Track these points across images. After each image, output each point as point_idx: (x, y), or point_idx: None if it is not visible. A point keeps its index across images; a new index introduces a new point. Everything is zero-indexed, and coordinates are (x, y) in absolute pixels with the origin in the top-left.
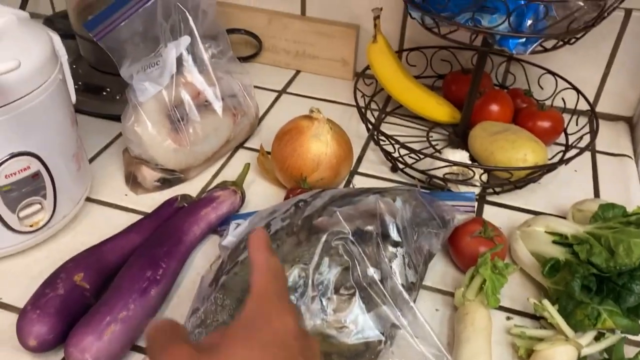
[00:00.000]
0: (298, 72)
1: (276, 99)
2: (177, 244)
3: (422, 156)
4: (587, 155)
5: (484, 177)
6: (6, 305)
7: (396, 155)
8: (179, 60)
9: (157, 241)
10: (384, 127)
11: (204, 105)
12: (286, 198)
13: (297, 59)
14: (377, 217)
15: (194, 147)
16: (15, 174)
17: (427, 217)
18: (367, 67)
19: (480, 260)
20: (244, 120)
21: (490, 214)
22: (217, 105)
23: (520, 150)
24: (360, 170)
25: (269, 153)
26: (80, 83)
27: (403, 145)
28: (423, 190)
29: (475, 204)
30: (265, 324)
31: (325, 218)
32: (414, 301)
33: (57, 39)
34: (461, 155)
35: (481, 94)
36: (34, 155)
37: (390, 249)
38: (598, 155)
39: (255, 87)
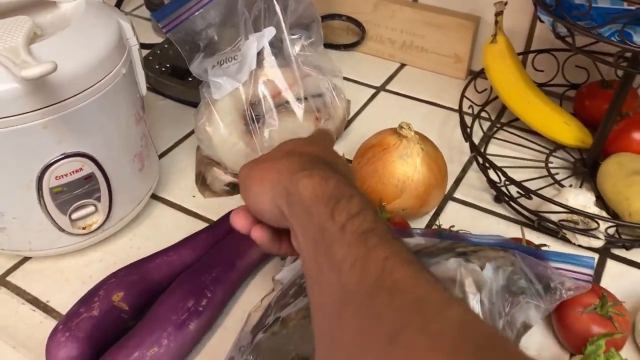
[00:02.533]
0: (403, 65)
1: (373, 96)
2: (228, 270)
3: (531, 195)
4: None
5: (611, 230)
6: (51, 310)
7: (501, 184)
8: (260, 55)
9: (207, 264)
10: (494, 143)
11: (283, 106)
12: None
13: (403, 51)
14: (457, 286)
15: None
16: (66, 175)
17: (525, 286)
18: (483, 70)
19: (590, 349)
20: (328, 124)
21: (613, 273)
22: (298, 107)
23: None
24: (456, 195)
25: (350, 162)
26: (168, 65)
27: (509, 178)
28: (523, 251)
29: (593, 272)
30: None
31: None
32: None
33: (127, 26)
34: (585, 199)
35: (622, 116)
36: (87, 156)
37: None
38: None
39: (351, 80)
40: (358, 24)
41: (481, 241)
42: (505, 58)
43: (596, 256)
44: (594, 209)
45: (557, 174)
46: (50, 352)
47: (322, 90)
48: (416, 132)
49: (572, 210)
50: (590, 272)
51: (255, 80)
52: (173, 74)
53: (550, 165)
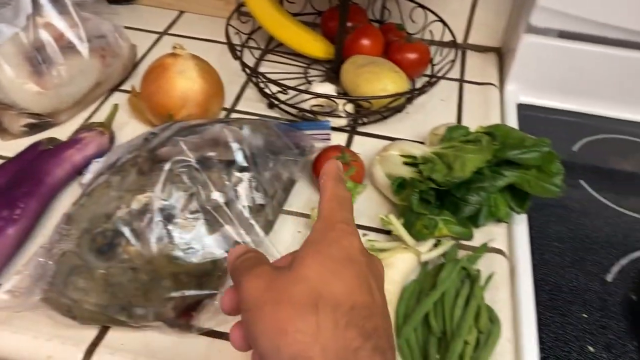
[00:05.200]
0: (182, 12)
1: (156, 40)
2: (37, 184)
3: (290, 91)
4: (454, 85)
5: (349, 108)
6: None
7: (271, 92)
8: (36, 1)
9: (17, 182)
10: (265, 65)
11: (68, 47)
12: None
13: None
14: (222, 144)
15: (59, 89)
16: None
17: (283, 146)
18: (242, 4)
19: None
20: (115, 61)
21: (359, 143)
22: (82, 47)
23: (382, 81)
24: (238, 107)
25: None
26: None
27: (271, 81)
28: (278, 121)
29: (330, 131)
30: (333, 242)
31: (169, 148)
32: (272, 222)
33: None
34: (327, 88)
35: (353, 29)
36: None
37: (237, 174)
38: (465, 85)
39: (135, 29)
40: None
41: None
42: None
43: (346, 135)
44: (331, 94)
45: (313, 80)
46: None
47: (103, 32)
48: (190, 53)
49: (317, 95)
50: (328, 131)
51: (35, 25)
52: None
53: (308, 75)
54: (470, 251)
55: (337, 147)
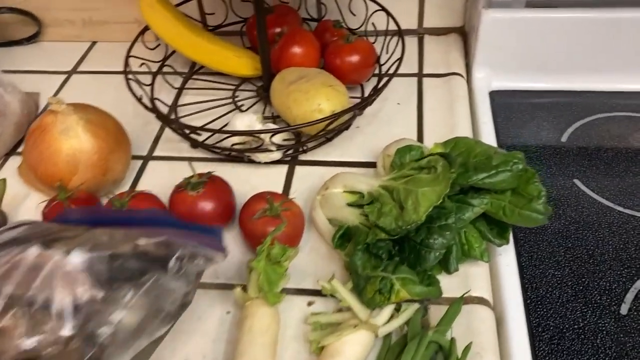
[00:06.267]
0: (93, 43)
1: (64, 82)
2: None
3: (207, 132)
4: (412, 82)
5: (278, 139)
6: None
7: (190, 131)
8: None
9: None
10: (189, 93)
11: None
12: (46, 216)
13: (88, 29)
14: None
15: None
16: None
17: (140, 267)
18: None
19: (258, 249)
20: (3, 121)
21: (302, 176)
22: None
23: (314, 100)
24: (156, 153)
25: None
26: None
27: (179, 125)
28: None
29: (221, 241)
30: None
31: None
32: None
33: None
34: (249, 119)
35: (280, 35)
36: None
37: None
38: (425, 80)
39: (38, 72)
40: (28, 13)
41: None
42: (157, 9)
43: (286, 167)
44: (258, 126)
45: (242, 105)
46: None
47: None
48: (70, 104)
49: (232, 133)
50: (220, 239)
51: None
52: None
53: (237, 98)
54: (446, 305)
55: (261, 196)
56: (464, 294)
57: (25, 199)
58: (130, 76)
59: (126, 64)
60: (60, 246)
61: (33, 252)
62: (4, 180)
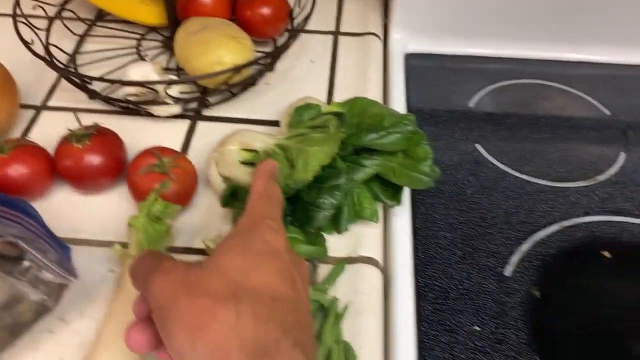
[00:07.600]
0: None
1: None
2: None
3: (105, 83)
4: (328, 40)
5: (175, 92)
6: None
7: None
8: None
9: None
10: (93, 41)
11: None
12: None
13: None
14: None
15: None
16: None
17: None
18: None
19: (139, 206)
20: None
21: (205, 132)
22: None
23: (214, 52)
24: (51, 103)
25: None
26: None
27: (70, 72)
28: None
29: (70, 260)
30: (258, 236)
31: None
32: None
33: None
34: (144, 70)
35: None
36: None
37: None
38: (341, 38)
39: None
40: None
41: None
42: None
43: (187, 122)
44: (154, 77)
45: (146, 55)
46: None
47: None
48: None
49: (125, 83)
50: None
51: None
52: None
53: (142, 48)
54: (335, 264)
55: (150, 152)
56: (348, 255)
57: None
58: (20, 19)
59: (17, 3)
60: None
61: None
62: None
